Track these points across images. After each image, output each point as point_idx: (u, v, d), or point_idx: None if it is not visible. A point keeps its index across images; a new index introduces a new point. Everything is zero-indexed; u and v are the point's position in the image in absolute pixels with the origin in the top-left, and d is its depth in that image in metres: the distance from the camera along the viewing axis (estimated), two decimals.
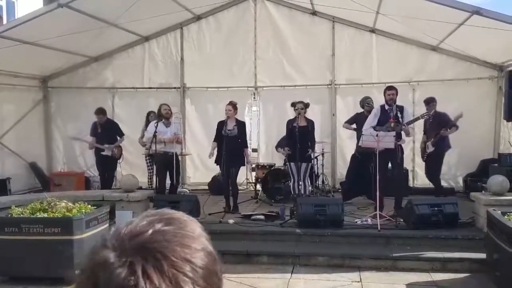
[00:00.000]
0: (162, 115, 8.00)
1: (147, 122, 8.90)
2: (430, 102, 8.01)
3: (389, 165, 7.15)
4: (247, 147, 8.01)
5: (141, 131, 9.21)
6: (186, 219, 0.67)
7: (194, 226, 0.66)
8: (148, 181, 9.22)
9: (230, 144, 7.37)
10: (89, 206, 5.70)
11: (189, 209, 6.84)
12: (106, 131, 8.92)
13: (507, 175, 6.58)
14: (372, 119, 7.16)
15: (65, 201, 5.59)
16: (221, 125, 7.66)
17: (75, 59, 9.93)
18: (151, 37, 10.17)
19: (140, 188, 8.40)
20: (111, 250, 0.61)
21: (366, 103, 8.27)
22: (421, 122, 8.02)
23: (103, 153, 8.88)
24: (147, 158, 9.09)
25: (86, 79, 10.33)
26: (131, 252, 0.60)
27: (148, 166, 9.19)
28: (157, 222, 0.64)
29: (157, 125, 7.82)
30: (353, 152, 8.53)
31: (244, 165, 8.13)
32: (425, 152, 8.21)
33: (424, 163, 8.51)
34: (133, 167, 9.68)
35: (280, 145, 8.55)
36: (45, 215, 5.34)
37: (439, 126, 7.90)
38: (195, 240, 0.64)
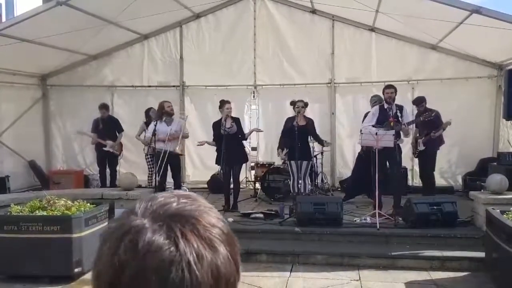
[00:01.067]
0: (166, 112, 7.86)
1: (148, 118, 8.89)
2: (420, 103, 7.97)
3: (387, 164, 7.16)
4: (245, 139, 8.06)
5: (139, 127, 9.19)
6: (196, 195, 0.71)
7: (205, 201, 0.70)
8: (148, 180, 9.21)
9: (231, 141, 7.37)
10: (88, 204, 5.70)
11: None
12: (108, 127, 9.10)
13: (506, 174, 6.58)
14: (370, 118, 7.17)
15: (64, 199, 5.59)
16: (218, 125, 7.66)
17: (75, 57, 9.92)
18: (151, 36, 10.16)
19: (140, 186, 8.40)
20: (144, 217, 0.62)
21: (373, 101, 8.12)
22: None
23: (105, 148, 8.98)
24: (148, 157, 9.09)
25: (85, 77, 10.32)
26: (165, 218, 0.62)
27: (149, 165, 9.18)
28: (177, 196, 0.67)
29: (156, 123, 7.78)
30: (357, 151, 8.52)
31: (246, 161, 8.14)
32: (416, 149, 8.20)
33: (417, 159, 8.50)
34: (133, 165, 9.69)
35: (280, 146, 8.50)
36: (44, 213, 5.34)
37: (431, 124, 7.87)
38: (213, 210, 0.68)
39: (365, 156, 7.98)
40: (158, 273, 0.57)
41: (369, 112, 8.35)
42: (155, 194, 0.68)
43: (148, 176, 9.22)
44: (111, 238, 0.62)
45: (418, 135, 8.09)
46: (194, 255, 0.59)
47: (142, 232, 0.60)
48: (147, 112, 9.06)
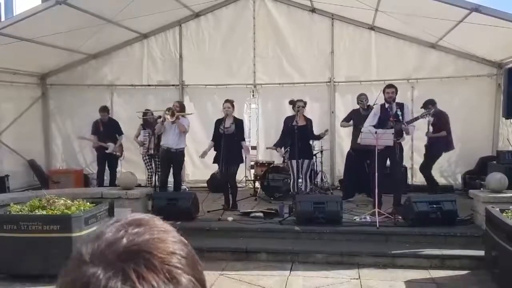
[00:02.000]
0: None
1: (145, 121, 8.90)
2: (426, 106, 8.02)
3: (388, 162, 7.17)
4: (244, 140, 7.92)
5: (137, 129, 9.21)
6: (150, 218, 0.65)
7: (160, 222, 0.65)
8: (147, 179, 9.21)
9: (228, 142, 7.34)
10: (88, 203, 5.70)
11: (188, 206, 6.86)
12: (108, 129, 9.11)
13: (505, 172, 6.58)
14: (372, 118, 7.16)
15: (64, 198, 5.59)
16: (219, 123, 7.66)
17: (74, 57, 9.91)
18: (150, 35, 10.15)
19: (139, 185, 8.40)
20: (94, 265, 0.57)
21: (360, 100, 8.30)
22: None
23: (107, 151, 9.02)
24: (145, 157, 9.09)
25: (85, 77, 10.32)
26: (116, 260, 0.56)
27: (146, 165, 9.18)
28: (126, 226, 0.61)
29: (163, 122, 7.80)
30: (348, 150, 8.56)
31: (243, 162, 8.11)
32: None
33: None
34: (132, 164, 9.69)
35: (277, 144, 8.52)
36: (44, 212, 5.34)
37: (437, 125, 8.00)
38: (170, 233, 0.63)
39: (356, 155, 8.01)
40: None
41: (354, 110, 8.43)
42: (102, 228, 0.62)
43: (147, 176, 9.23)
44: None
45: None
46: None
47: (97, 285, 0.55)
48: (145, 114, 9.02)
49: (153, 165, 8.82)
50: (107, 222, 0.64)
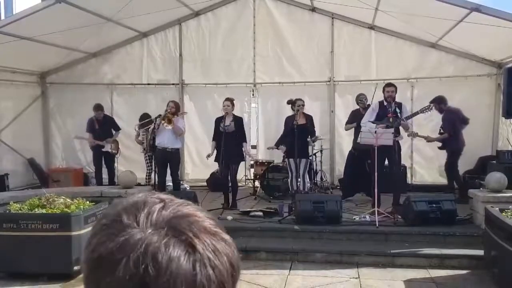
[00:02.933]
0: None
1: (143, 123, 8.89)
2: (432, 103, 8.01)
3: (386, 161, 7.17)
4: (245, 141, 7.97)
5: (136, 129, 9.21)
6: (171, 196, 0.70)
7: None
8: (146, 178, 9.21)
9: (228, 140, 7.35)
10: (88, 202, 5.71)
11: None
12: (104, 127, 9.10)
13: (505, 172, 6.58)
14: (370, 114, 7.18)
15: (63, 197, 5.59)
16: (219, 121, 7.66)
17: (74, 55, 9.90)
18: (150, 33, 10.14)
19: (139, 184, 8.40)
20: (146, 229, 0.60)
21: (359, 100, 8.30)
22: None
23: (103, 149, 9.02)
24: (145, 156, 9.09)
25: (85, 75, 10.31)
26: (167, 223, 0.61)
27: (147, 163, 9.18)
28: (161, 200, 0.65)
29: (159, 123, 7.80)
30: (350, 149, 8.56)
31: (244, 160, 8.13)
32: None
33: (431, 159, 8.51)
34: (132, 163, 9.68)
35: (278, 143, 8.53)
36: (44, 211, 5.35)
37: (445, 124, 7.98)
38: (193, 205, 0.68)
39: (358, 154, 8.01)
40: (186, 280, 0.57)
41: (353, 110, 8.43)
42: (135, 200, 0.65)
43: (146, 175, 9.22)
44: (124, 264, 0.57)
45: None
46: (211, 250, 0.60)
47: (156, 247, 0.57)
48: (143, 117, 8.98)
49: (152, 164, 8.82)
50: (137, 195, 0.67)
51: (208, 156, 7.89)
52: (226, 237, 0.64)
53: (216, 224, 0.65)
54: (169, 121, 7.63)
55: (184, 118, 8.58)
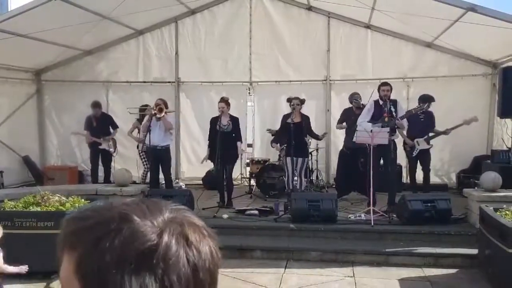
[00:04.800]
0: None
1: (141, 116, 8.87)
2: (424, 102, 8.00)
3: (381, 161, 7.19)
4: (241, 141, 7.99)
5: (132, 125, 9.19)
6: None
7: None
8: (142, 176, 9.19)
9: (225, 139, 7.35)
10: (83, 200, 5.69)
11: (183, 203, 6.82)
12: (101, 125, 9.07)
13: (499, 171, 6.62)
14: (366, 114, 7.18)
15: (58, 195, 5.57)
16: (215, 121, 7.66)
17: (69, 53, 9.86)
18: (146, 31, 10.11)
19: (134, 182, 8.39)
20: (145, 220, 0.67)
21: (354, 99, 8.29)
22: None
23: (100, 147, 8.99)
24: (141, 153, 9.07)
25: (80, 73, 10.26)
26: (166, 220, 0.68)
27: (143, 161, 9.15)
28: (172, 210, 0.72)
29: (151, 119, 7.78)
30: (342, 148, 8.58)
31: (239, 159, 8.15)
32: (413, 150, 8.06)
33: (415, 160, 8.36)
34: (127, 161, 9.65)
35: (274, 140, 8.57)
36: (38, 209, 5.33)
37: (426, 124, 7.91)
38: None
39: (350, 153, 8.02)
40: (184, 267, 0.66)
41: (345, 109, 8.44)
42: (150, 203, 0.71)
43: (143, 173, 9.20)
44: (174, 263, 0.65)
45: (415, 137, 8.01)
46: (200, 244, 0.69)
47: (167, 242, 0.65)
48: (142, 109, 8.99)
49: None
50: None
51: (203, 160, 7.90)
52: (216, 238, 0.73)
53: (208, 230, 0.73)
54: (161, 110, 7.60)
55: (173, 116, 8.55)
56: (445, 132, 7.79)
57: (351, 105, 8.39)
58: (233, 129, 7.61)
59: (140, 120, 8.80)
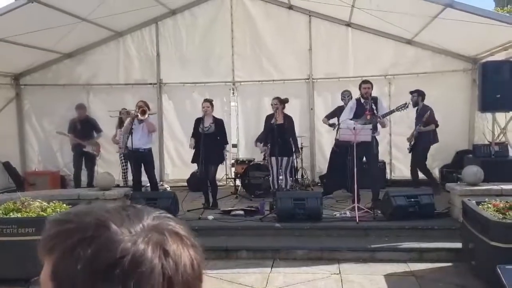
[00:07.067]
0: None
1: (120, 121, 8.79)
2: (412, 92, 8.27)
3: (364, 158, 7.23)
4: (227, 143, 7.96)
5: (114, 128, 9.10)
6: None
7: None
8: (123, 178, 9.09)
9: (207, 141, 7.30)
10: (64, 205, 5.60)
11: (167, 206, 6.78)
12: (85, 128, 8.98)
13: (481, 165, 6.69)
14: (348, 113, 7.23)
15: (39, 200, 5.47)
16: (198, 122, 7.61)
17: (48, 56, 9.70)
18: (126, 33, 10.00)
19: (117, 186, 8.30)
20: (125, 231, 0.65)
21: (343, 96, 8.40)
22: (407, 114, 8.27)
23: (84, 149, 8.87)
24: (121, 156, 8.98)
25: (60, 76, 10.10)
26: (147, 228, 0.67)
27: (122, 163, 9.07)
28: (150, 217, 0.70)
29: (133, 121, 7.70)
30: (332, 146, 8.61)
31: (224, 161, 8.09)
32: (410, 145, 8.35)
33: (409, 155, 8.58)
34: (110, 164, 9.55)
35: (259, 139, 8.54)
36: (19, 215, 5.23)
37: (419, 120, 8.12)
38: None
39: (340, 151, 8.06)
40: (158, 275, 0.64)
41: (339, 106, 8.50)
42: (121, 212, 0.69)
43: (123, 175, 9.10)
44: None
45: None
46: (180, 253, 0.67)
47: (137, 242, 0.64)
48: (120, 113, 8.90)
49: (128, 164, 8.73)
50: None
51: (191, 146, 7.67)
52: (197, 244, 0.71)
53: (190, 238, 0.70)
54: (143, 112, 7.52)
55: (156, 118, 8.48)
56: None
57: (342, 103, 8.45)
58: (216, 132, 7.56)
59: (119, 124, 8.73)
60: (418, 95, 8.25)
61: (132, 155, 7.70)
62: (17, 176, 9.72)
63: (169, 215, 0.72)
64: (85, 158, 9.08)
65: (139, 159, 7.70)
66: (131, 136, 7.48)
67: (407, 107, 7.29)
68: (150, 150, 7.89)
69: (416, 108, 8.32)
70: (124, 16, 8.49)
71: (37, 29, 7.57)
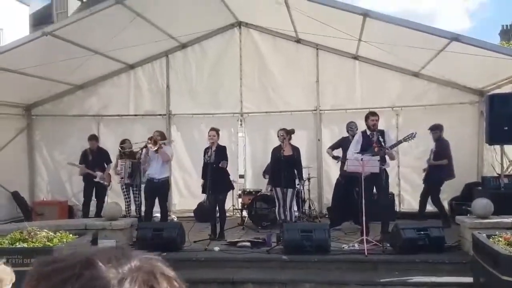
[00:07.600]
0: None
1: (120, 153, 8.84)
2: (433, 129, 8.28)
3: (374, 189, 7.17)
4: (225, 160, 7.67)
5: (115, 158, 9.14)
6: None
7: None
8: (126, 209, 8.99)
9: (212, 170, 7.32)
10: (71, 235, 5.59)
11: (174, 236, 6.75)
12: (97, 158, 9.05)
13: (491, 198, 6.61)
14: (354, 146, 7.22)
15: (46, 230, 5.48)
16: (206, 152, 7.67)
17: (60, 87, 9.89)
18: (137, 65, 10.20)
19: (125, 216, 8.29)
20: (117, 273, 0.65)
21: (349, 127, 8.39)
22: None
23: (95, 179, 8.91)
24: (122, 186, 8.96)
25: (71, 107, 10.27)
26: (135, 269, 0.67)
27: (124, 194, 8.99)
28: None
29: (148, 152, 7.79)
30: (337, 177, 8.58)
31: (232, 189, 8.11)
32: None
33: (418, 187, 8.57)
34: (120, 195, 9.54)
35: (266, 171, 8.55)
36: (25, 245, 5.22)
37: (438, 153, 8.11)
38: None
39: (345, 182, 8.02)
40: None
41: (343, 137, 8.51)
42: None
43: (125, 206, 9.05)
44: None
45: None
46: None
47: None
48: (123, 143, 8.95)
49: (131, 195, 8.73)
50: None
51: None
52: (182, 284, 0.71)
53: (178, 281, 0.71)
54: (155, 143, 7.58)
55: (172, 146, 8.54)
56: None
57: (347, 134, 8.46)
58: (216, 158, 7.50)
59: (121, 154, 8.78)
60: (440, 131, 8.25)
61: (147, 184, 7.75)
62: (25, 205, 9.75)
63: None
64: (96, 189, 9.11)
65: (154, 189, 7.73)
66: (149, 165, 7.60)
67: (415, 137, 7.27)
68: (165, 180, 7.93)
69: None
70: (135, 49, 8.68)
71: (50, 62, 7.75)
